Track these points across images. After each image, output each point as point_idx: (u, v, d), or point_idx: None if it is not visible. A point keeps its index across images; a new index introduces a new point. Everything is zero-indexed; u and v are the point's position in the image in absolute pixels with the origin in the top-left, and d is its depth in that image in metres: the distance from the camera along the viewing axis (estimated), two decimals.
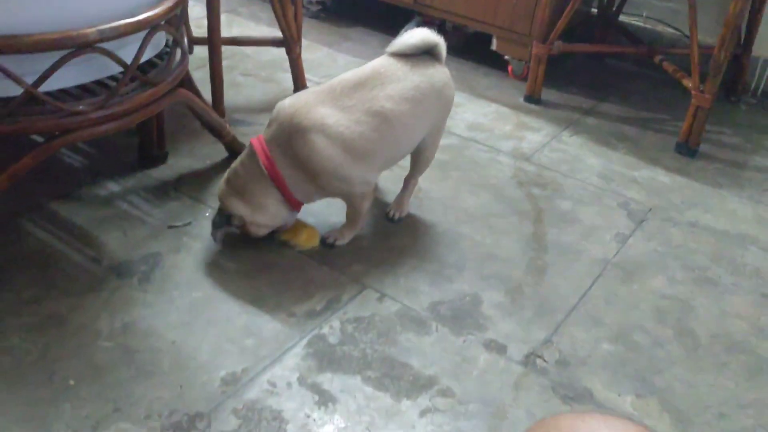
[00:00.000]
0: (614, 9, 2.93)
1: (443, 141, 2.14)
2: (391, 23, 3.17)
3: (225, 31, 3.01)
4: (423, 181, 2.03)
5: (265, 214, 1.71)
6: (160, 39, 1.68)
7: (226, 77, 2.58)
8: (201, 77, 2.25)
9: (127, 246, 1.75)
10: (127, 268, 1.68)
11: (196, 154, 2.14)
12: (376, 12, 3.22)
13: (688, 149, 2.39)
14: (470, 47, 2.97)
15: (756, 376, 1.55)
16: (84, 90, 1.54)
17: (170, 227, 1.83)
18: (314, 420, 1.34)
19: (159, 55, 1.69)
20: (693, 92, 2.31)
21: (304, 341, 1.52)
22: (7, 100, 1.42)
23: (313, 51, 2.92)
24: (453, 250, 1.84)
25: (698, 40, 2.30)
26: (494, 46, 2.81)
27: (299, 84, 2.51)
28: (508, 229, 1.95)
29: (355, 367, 1.46)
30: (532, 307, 1.68)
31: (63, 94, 1.50)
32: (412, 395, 1.41)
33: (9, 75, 1.34)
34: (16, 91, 1.39)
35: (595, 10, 3.01)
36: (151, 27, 1.46)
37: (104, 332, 1.50)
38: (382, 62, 1.75)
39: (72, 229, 1.79)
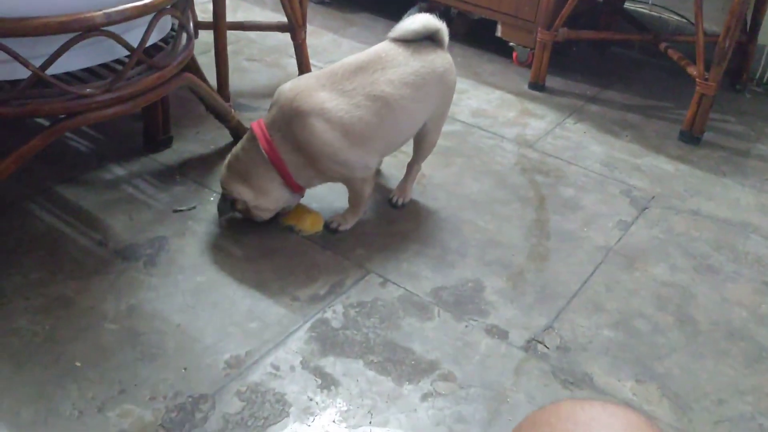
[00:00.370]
0: None
1: (447, 127, 2.15)
2: (396, 9, 3.15)
3: (230, 16, 3.01)
4: (426, 167, 2.04)
5: (267, 198, 1.72)
6: (166, 23, 1.69)
7: (231, 62, 2.58)
8: (206, 62, 2.25)
9: (133, 230, 1.76)
10: (132, 251, 1.70)
11: (200, 138, 2.15)
12: None
13: (691, 137, 2.39)
14: (475, 33, 2.97)
15: (755, 363, 1.56)
16: (91, 73, 1.55)
17: (175, 211, 1.84)
18: (317, 403, 1.36)
19: (165, 39, 1.70)
20: (697, 80, 2.31)
21: (308, 325, 1.54)
22: (15, 83, 1.43)
23: (318, 36, 2.93)
24: (455, 236, 1.85)
25: (703, 28, 2.30)
26: (499, 33, 2.81)
27: (304, 69, 2.50)
28: (510, 216, 1.96)
29: (358, 351, 1.48)
30: (534, 294, 1.69)
31: (70, 77, 1.51)
32: (413, 379, 1.43)
33: (16, 58, 1.35)
34: (23, 74, 1.40)
35: None
36: (157, 11, 1.46)
37: (110, 314, 1.52)
38: (383, 47, 1.76)
39: (78, 213, 1.81)
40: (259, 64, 2.66)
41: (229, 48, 2.55)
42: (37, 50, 1.38)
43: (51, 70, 1.41)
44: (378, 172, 2.04)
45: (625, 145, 2.36)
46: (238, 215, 1.76)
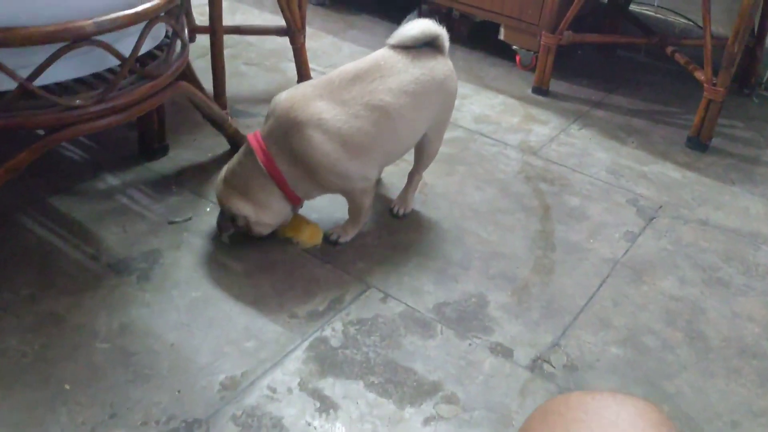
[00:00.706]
0: None
1: (449, 134, 2.10)
2: (397, 11, 3.11)
3: (228, 19, 2.97)
4: (428, 175, 1.99)
5: (268, 212, 1.67)
6: (160, 30, 1.63)
7: (229, 66, 2.54)
8: (203, 66, 2.20)
9: (127, 242, 1.72)
10: (126, 265, 1.65)
11: (197, 146, 2.10)
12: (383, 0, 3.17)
13: (699, 143, 2.34)
14: (477, 36, 2.92)
15: None
16: (82, 83, 1.50)
17: (170, 223, 1.79)
18: (315, 428, 1.31)
19: (159, 47, 1.65)
20: (705, 85, 2.26)
21: (306, 344, 1.49)
22: (2, 94, 1.38)
23: (318, 39, 2.87)
24: (458, 248, 1.81)
25: (711, 31, 2.24)
26: (502, 36, 2.75)
27: (303, 74, 2.46)
28: (514, 226, 1.91)
29: (358, 372, 1.43)
30: (539, 309, 1.65)
31: (60, 87, 1.46)
32: (415, 402, 1.38)
33: (2, 69, 1.30)
34: (10, 85, 1.35)
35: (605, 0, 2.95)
36: (150, 19, 1.41)
37: (102, 333, 1.47)
38: (382, 54, 1.71)
39: (71, 225, 1.76)
40: (257, 68, 2.61)
41: (227, 51, 2.50)
42: (25, 60, 1.33)
43: (40, 81, 1.36)
44: (378, 182, 1.99)
45: (632, 151, 2.31)
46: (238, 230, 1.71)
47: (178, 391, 1.36)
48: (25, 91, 1.33)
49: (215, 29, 1.84)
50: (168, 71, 1.56)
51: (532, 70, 2.70)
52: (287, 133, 1.59)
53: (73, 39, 1.29)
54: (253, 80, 2.53)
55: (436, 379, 1.44)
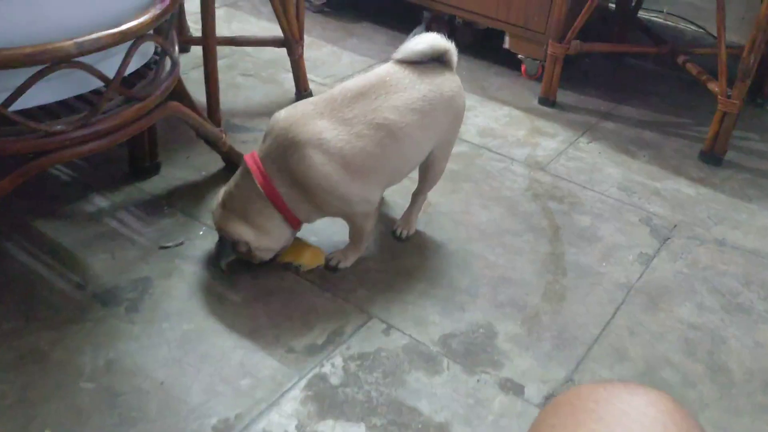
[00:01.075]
0: (633, 4, 2.77)
1: (453, 149, 2.00)
2: (399, 19, 3.02)
3: (224, 27, 2.88)
4: (432, 193, 1.90)
5: (270, 237, 1.58)
6: (149, 47, 1.54)
7: (225, 77, 2.45)
8: (198, 77, 2.11)
9: (115, 269, 1.63)
10: (113, 295, 1.56)
11: (190, 164, 2.01)
12: (384, 6, 3.07)
13: (713, 157, 2.25)
14: (481, 45, 2.83)
15: None
16: (65, 106, 1.40)
17: (162, 248, 1.70)
18: None
19: (147, 65, 1.55)
20: (720, 98, 2.17)
21: (304, 382, 1.40)
22: None
23: (317, 48, 2.78)
24: (465, 273, 1.72)
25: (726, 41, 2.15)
26: (507, 44, 2.66)
27: (301, 86, 2.37)
28: (523, 249, 1.82)
29: (359, 413, 1.34)
30: (551, 339, 1.56)
31: (43, 111, 1.36)
32: None
33: None
34: None
35: (612, 5, 2.86)
36: (136, 38, 1.32)
37: (87, 371, 1.38)
38: (387, 70, 1.62)
39: (57, 251, 1.67)
40: (254, 79, 2.52)
41: (223, 62, 2.42)
42: (1, 84, 1.23)
43: (20, 104, 1.26)
44: (381, 201, 1.90)
45: (643, 166, 2.22)
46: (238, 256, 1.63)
47: None
48: (1, 117, 1.24)
49: (208, 44, 1.75)
50: (157, 92, 1.46)
51: (538, 79, 2.61)
52: (286, 153, 1.50)
53: (52, 61, 1.20)
54: (249, 92, 2.44)
55: (443, 420, 1.35)
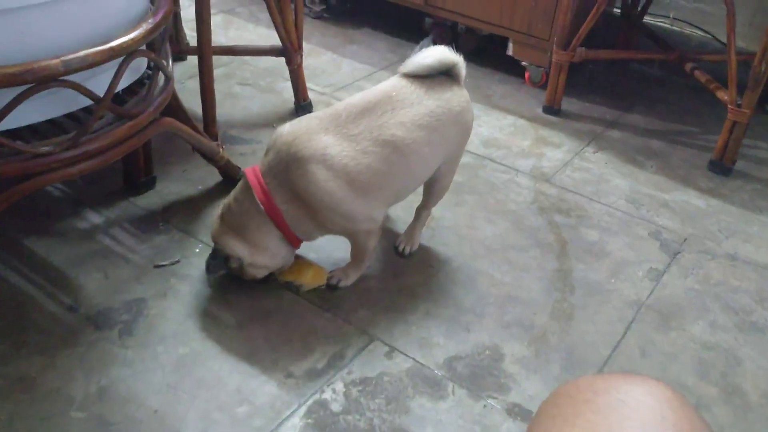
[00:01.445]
0: (639, 10, 2.72)
1: None
2: (400, 25, 2.97)
3: (221, 34, 2.83)
4: (436, 206, 1.84)
5: (264, 254, 1.53)
6: (141, 62, 1.49)
7: (222, 86, 2.40)
8: (194, 87, 2.07)
9: (108, 290, 1.57)
10: (106, 317, 1.50)
11: (187, 178, 1.96)
12: (384, 12, 3.01)
13: (722, 167, 2.20)
14: (484, 52, 2.77)
15: None
16: (54, 125, 1.35)
17: (157, 266, 1.65)
18: None
19: (140, 80, 1.50)
20: (729, 107, 2.11)
21: (303, 409, 1.34)
22: None
23: (316, 56, 2.73)
24: (470, 291, 1.66)
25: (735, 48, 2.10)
26: (510, 51, 2.61)
27: (300, 95, 2.32)
28: (529, 265, 1.76)
29: None
30: (559, 361, 1.50)
31: (29, 131, 1.31)
32: None
33: None
34: None
35: (617, 11, 2.80)
36: (126, 54, 1.26)
37: (78, 399, 1.32)
38: (393, 84, 1.56)
39: (48, 271, 1.62)
40: (252, 89, 2.46)
41: (220, 71, 2.37)
42: None
43: (6, 125, 1.21)
44: (385, 218, 1.85)
45: (651, 177, 2.17)
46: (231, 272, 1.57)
47: None
48: None
49: (204, 55, 1.69)
50: (150, 108, 1.41)
51: (542, 87, 2.56)
52: (288, 168, 1.45)
53: (38, 80, 1.15)
54: (247, 102, 2.38)
55: None
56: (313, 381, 1.40)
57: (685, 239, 1.90)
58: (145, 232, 1.76)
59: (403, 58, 1.62)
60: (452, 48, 1.59)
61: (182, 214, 1.83)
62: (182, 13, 2.58)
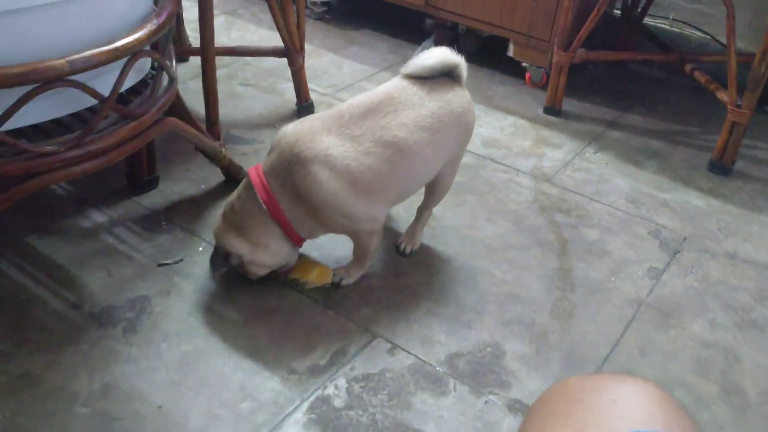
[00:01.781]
0: (639, 11, 2.73)
1: None
2: (400, 26, 2.99)
3: (224, 35, 2.84)
4: (437, 206, 1.86)
5: (265, 252, 1.54)
6: (145, 62, 1.50)
7: (225, 87, 2.41)
8: (197, 88, 2.08)
9: (112, 288, 1.58)
10: (110, 315, 1.52)
11: (190, 177, 1.97)
12: (385, 14, 3.03)
13: (722, 168, 2.21)
14: (485, 53, 2.79)
15: None
16: (58, 125, 1.36)
17: (160, 265, 1.66)
18: None
19: (144, 81, 1.51)
20: (729, 107, 2.13)
21: (306, 405, 1.35)
22: None
23: (318, 57, 2.74)
24: (471, 290, 1.67)
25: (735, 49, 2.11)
26: (511, 52, 2.62)
27: (302, 96, 2.33)
28: (530, 264, 1.77)
29: None
30: (560, 359, 1.51)
31: (34, 131, 1.32)
32: None
33: None
34: None
35: (618, 12, 2.82)
36: (131, 54, 1.27)
37: (81, 395, 1.33)
38: (395, 85, 1.57)
39: (51, 269, 1.63)
40: (254, 89, 2.48)
41: (223, 71, 2.38)
42: None
43: (11, 124, 1.22)
44: (386, 217, 1.86)
45: (651, 176, 2.18)
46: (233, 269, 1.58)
47: None
48: None
49: (207, 57, 1.70)
50: (154, 108, 1.42)
51: (543, 87, 2.57)
52: (291, 168, 1.46)
53: (44, 80, 1.16)
54: (249, 102, 2.40)
55: None
56: (316, 377, 1.41)
57: (685, 238, 1.91)
58: (148, 230, 1.77)
59: (404, 59, 1.64)
60: (453, 49, 1.61)
61: (185, 213, 1.84)
62: (184, 15, 2.60)
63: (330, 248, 1.74)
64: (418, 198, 1.77)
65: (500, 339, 1.55)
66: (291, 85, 2.36)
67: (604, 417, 0.66)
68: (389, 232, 1.82)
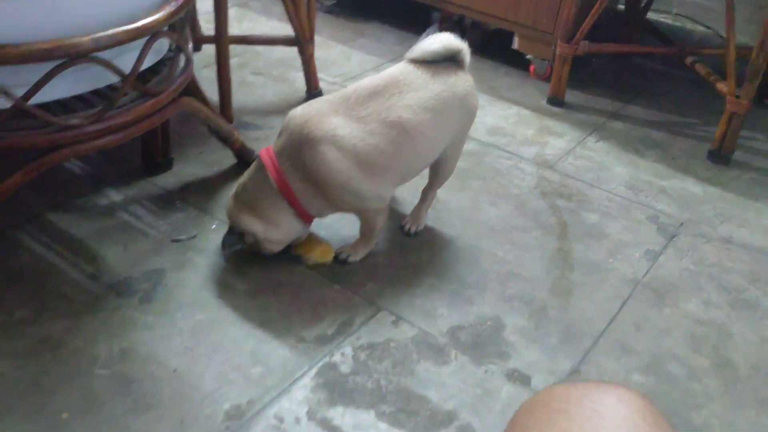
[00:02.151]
0: (642, 5, 2.79)
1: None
2: (408, 19, 3.05)
3: (235, 27, 2.91)
4: (441, 190, 1.92)
5: (278, 230, 1.60)
6: (163, 44, 1.57)
7: (236, 76, 2.48)
8: (210, 76, 2.15)
9: (128, 261, 1.65)
10: (127, 286, 1.58)
11: (203, 160, 2.04)
12: (393, 6, 3.10)
13: (721, 157, 2.27)
14: (490, 45, 2.85)
15: None
16: (81, 101, 1.43)
17: (174, 241, 1.73)
18: None
19: (162, 61, 1.58)
20: (728, 98, 2.18)
21: (314, 370, 1.42)
22: None
23: (327, 48, 2.81)
24: (473, 268, 1.73)
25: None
26: (515, 45, 2.68)
27: (312, 84, 2.40)
28: (531, 245, 1.83)
29: (369, 401, 1.36)
30: (558, 333, 1.57)
31: (58, 105, 1.39)
32: None
33: None
34: (4, 104, 1.28)
35: (622, 7, 2.87)
36: (151, 34, 1.34)
37: (101, 358, 1.40)
38: (400, 69, 1.64)
39: (70, 243, 1.70)
40: (265, 78, 2.55)
41: (234, 61, 2.44)
42: (19, 78, 1.26)
43: (36, 99, 1.29)
44: (392, 198, 1.92)
45: (651, 165, 2.24)
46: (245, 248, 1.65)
47: (181, 421, 1.29)
48: (19, 110, 1.27)
49: (221, 43, 1.77)
50: (171, 87, 1.49)
51: (547, 79, 2.63)
52: (300, 149, 1.53)
53: (69, 56, 1.23)
54: (260, 91, 2.47)
55: (450, 408, 1.36)
56: (324, 345, 1.48)
57: (682, 223, 1.97)
58: (163, 209, 1.84)
59: None
60: None
61: (199, 193, 1.91)
62: (197, 5, 2.66)
63: (337, 227, 1.80)
64: (422, 181, 1.83)
65: (500, 313, 1.61)
66: (301, 74, 2.43)
67: (588, 427, 0.66)
68: (394, 214, 1.89)
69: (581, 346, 1.54)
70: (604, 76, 2.80)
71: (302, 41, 2.25)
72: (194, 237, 1.75)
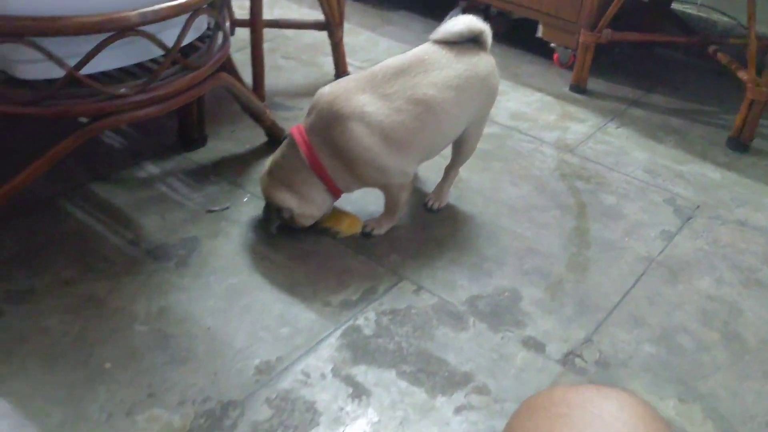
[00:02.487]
0: None
1: (485, 130, 2.09)
2: (434, 7, 3.12)
3: (266, 13, 2.99)
4: (463, 170, 1.99)
5: (311, 204, 1.69)
6: (202, 22, 1.66)
7: (267, 60, 2.57)
8: (242, 59, 2.24)
9: (165, 229, 1.75)
10: (164, 251, 1.68)
11: (236, 137, 2.13)
12: None
13: (739, 144, 2.31)
14: (515, 33, 2.91)
15: None
16: (125, 73, 1.53)
17: (208, 212, 1.82)
18: (347, 413, 1.33)
19: (201, 38, 1.67)
20: (748, 85, 2.23)
21: (339, 332, 1.50)
22: (50, 83, 1.42)
23: (355, 35, 2.89)
24: (492, 243, 1.81)
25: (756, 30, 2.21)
26: (540, 33, 2.74)
27: (340, 68, 2.48)
28: (549, 223, 1.90)
29: (390, 361, 1.44)
30: (573, 305, 1.64)
31: (104, 77, 1.49)
32: (447, 391, 1.39)
33: (51, 57, 1.34)
34: (58, 73, 1.38)
35: None
36: (193, 10, 1.44)
37: (141, 316, 1.50)
38: (425, 49, 1.71)
39: (110, 211, 1.80)
40: (295, 62, 2.63)
41: (266, 45, 2.53)
42: (71, 49, 1.36)
43: (85, 70, 1.39)
44: (415, 176, 2.00)
45: (669, 150, 2.29)
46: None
47: (215, 374, 1.38)
48: (71, 79, 1.37)
49: (255, 24, 1.86)
50: (209, 62, 1.58)
51: (570, 67, 2.68)
52: (329, 126, 1.61)
53: (118, 29, 1.32)
54: (290, 74, 2.55)
55: (468, 370, 1.44)
56: (348, 310, 1.56)
57: (698, 206, 2.03)
58: (198, 182, 1.93)
59: None
60: None
61: (231, 168, 2.00)
62: None
63: (363, 203, 1.88)
64: (445, 161, 1.91)
65: (518, 286, 1.68)
66: (329, 59, 2.51)
67: None
68: (418, 192, 1.96)
69: (595, 317, 1.61)
70: (625, 64, 2.85)
71: (332, 25, 2.33)
72: (227, 208, 1.84)
